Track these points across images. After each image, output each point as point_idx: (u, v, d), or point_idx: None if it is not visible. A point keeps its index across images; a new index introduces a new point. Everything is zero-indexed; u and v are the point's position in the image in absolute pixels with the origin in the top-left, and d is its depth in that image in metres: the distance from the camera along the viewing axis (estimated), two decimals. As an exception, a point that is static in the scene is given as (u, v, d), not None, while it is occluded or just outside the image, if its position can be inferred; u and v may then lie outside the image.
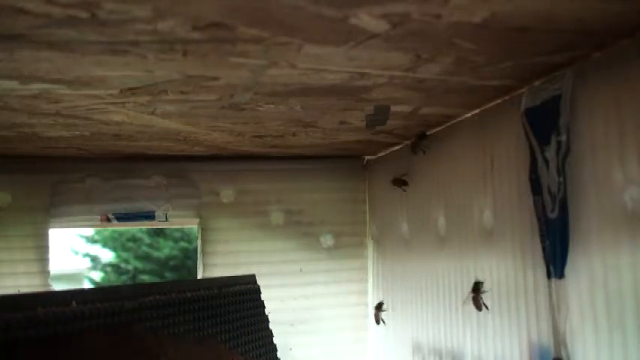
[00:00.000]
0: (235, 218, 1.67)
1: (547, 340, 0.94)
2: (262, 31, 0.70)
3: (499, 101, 1.10)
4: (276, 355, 1.30)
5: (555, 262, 0.91)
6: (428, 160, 1.37)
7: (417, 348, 1.43)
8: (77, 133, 1.25)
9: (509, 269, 1.05)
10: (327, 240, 1.72)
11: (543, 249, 0.94)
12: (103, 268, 8.46)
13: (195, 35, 0.70)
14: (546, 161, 0.93)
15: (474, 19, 0.69)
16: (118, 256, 8.24)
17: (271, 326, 1.31)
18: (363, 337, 1.73)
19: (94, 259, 8.50)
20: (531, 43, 0.79)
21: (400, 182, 1.50)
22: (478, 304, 1.17)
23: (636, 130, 0.77)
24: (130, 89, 0.94)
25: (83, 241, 8.46)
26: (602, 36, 0.77)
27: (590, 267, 0.85)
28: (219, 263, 1.63)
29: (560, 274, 0.89)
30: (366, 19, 0.68)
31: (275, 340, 1.31)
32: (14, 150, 1.43)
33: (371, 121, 1.24)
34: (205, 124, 1.22)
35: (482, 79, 0.96)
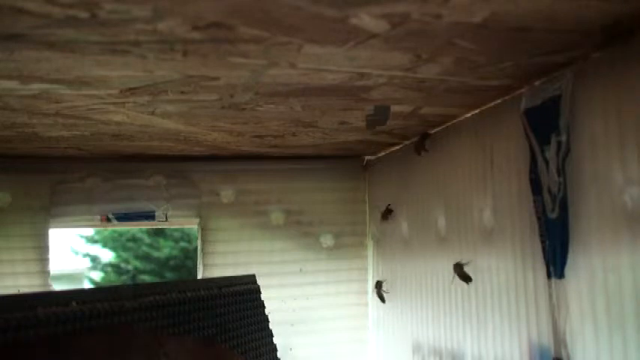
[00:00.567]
0: (235, 218, 1.67)
1: (547, 340, 0.94)
2: (262, 31, 0.70)
3: (499, 101, 1.10)
4: (276, 355, 1.30)
5: (555, 262, 0.91)
6: (428, 160, 1.37)
7: (417, 348, 1.43)
8: (77, 133, 1.25)
9: (509, 269, 1.05)
10: (327, 240, 1.72)
11: (543, 249, 0.94)
12: (103, 268, 8.46)
13: (195, 35, 0.70)
14: (546, 161, 0.93)
15: (473, 19, 0.69)
16: (118, 256, 8.24)
17: (271, 326, 1.31)
18: (363, 337, 1.73)
19: (94, 259, 8.50)
20: (531, 43, 0.79)
21: (387, 213, 1.57)
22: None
23: (636, 130, 0.77)
24: (130, 89, 0.94)
25: (83, 241, 8.47)
26: (602, 36, 0.77)
27: (590, 267, 0.85)
28: (219, 263, 1.63)
29: (560, 274, 0.89)
30: (366, 19, 0.68)
31: (275, 340, 1.31)
32: (14, 150, 1.43)
33: (371, 121, 1.24)
34: (205, 124, 1.22)
35: (483, 79, 0.96)
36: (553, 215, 0.91)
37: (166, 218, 1.60)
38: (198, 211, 1.64)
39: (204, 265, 1.62)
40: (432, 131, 1.34)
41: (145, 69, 0.83)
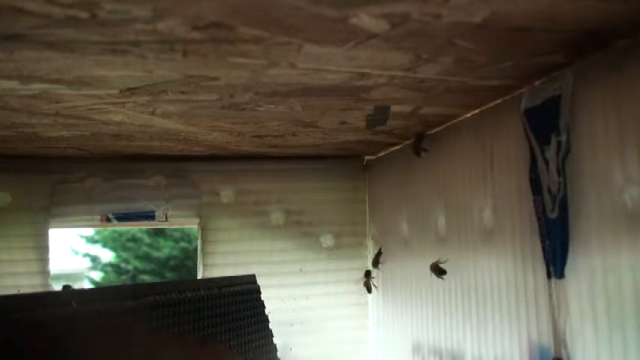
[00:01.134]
0: (235, 218, 1.67)
1: (547, 340, 0.94)
2: (262, 31, 0.70)
3: (499, 101, 1.10)
4: (276, 355, 1.30)
5: (555, 262, 0.91)
6: (428, 160, 1.37)
7: (417, 348, 1.43)
8: (77, 133, 1.25)
9: (509, 269, 1.05)
10: (327, 240, 1.72)
11: (543, 249, 0.94)
12: (103, 268, 8.46)
13: (195, 35, 0.70)
14: (546, 161, 0.93)
15: (474, 19, 0.69)
16: (118, 256, 8.24)
17: (271, 326, 1.31)
18: (363, 337, 1.73)
19: (94, 259, 8.50)
20: (531, 43, 0.79)
21: (378, 256, 1.60)
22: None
23: (636, 130, 0.77)
24: (130, 89, 0.94)
25: (83, 241, 8.46)
26: (602, 36, 0.77)
27: (590, 267, 0.85)
28: (219, 263, 1.63)
29: (560, 274, 0.89)
30: (366, 19, 0.68)
31: (275, 340, 1.32)
32: (14, 150, 1.43)
33: (371, 121, 1.24)
34: (205, 124, 1.22)
35: (483, 79, 0.96)
36: (553, 215, 0.91)
37: (166, 218, 1.60)
38: (198, 211, 1.64)
39: (204, 265, 1.62)
40: (432, 131, 1.34)
41: (145, 69, 0.83)
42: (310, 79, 0.92)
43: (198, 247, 1.66)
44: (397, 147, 1.56)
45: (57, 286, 1.52)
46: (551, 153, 0.92)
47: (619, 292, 0.79)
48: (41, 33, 0.68)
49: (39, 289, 1.46)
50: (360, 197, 1.77)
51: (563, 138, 0.89)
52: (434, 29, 0.72)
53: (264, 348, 1.26)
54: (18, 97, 0.97)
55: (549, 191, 0.92)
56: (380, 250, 1.62)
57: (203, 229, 1.64)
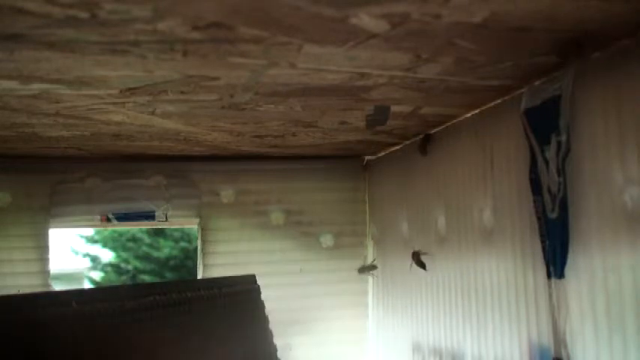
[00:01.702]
0: (235, 218, 1.67)
1: (547, 340, 0.94)
2: (262, 31, 0.70)
3: (499, 101, 1.10)
4: (276, 355, 1.30)
5: (555, 262, 0.91)
6: (428, 160, 1.37)
7: (417, 348, 1.43)
8: (77, 133, 1.25)
9: (509, 269, 1.05)
10: (327, 240, 1.72)
11: (543, 249, 0.94)
12: (103, 268, 8.45)
13: (195, 35, 0.70)
14: (546, 161, 0.93)
15: (474, 19, 0.69)
16: (118, 256, 8.24)
17: (271, 326, 1.31)
18: (363, 337, 1.73)
19: (94, 259, 8.50)
20: (531, 43, 0.79)
21: (370, 266, 1.61)
22: (421, 263, 1.39)
23: (636, 130, 0.77)
24: (130, 89, 0.94)
25: (83, 241, 8.46)
26: (602, 36, 0.77)
27: (590, 267, 0.85)
28: (219, 263, 1.63)
29: (560, 274, 0.89)
30: (366, 19, 0.68)
31: (275, 340, 1.31)
32: (14, 150, 1.43)
33: (371, 121, 1.24)
34: (205, 124, 1.22)
35: (483, 79, 0.96)
36: (553, 215, 0.91)
37: (166, 218, 1.60)
38: (198, 211, 1.64)
39: (205, 265, 1.62)
40: (432, 131, 1.34)
41: (145, 69, 0.83)
42: (310, 79, 0.92)
43: (199, 247, 1.66)
44: (397, 147, 1.56)
45: (57, 287, 1.52)
46: (551, 153, 0.92)
47: (619, 292, 0.79)
48: (41, 33, 0.68)
49: (39, 289, 1.46)
50: (360, 197, 1.77)
51: (563, 138, 0.89)
52: (434, 29, 0.72)
53: (264, 348, 1.26)
54: (18, 97, 0.97)
55: (549, 191, 0.92)
56: (374, 260, 1.62)
57: (203, 229, 1.64)
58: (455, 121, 1.25)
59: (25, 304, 0.80)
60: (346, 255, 1.74)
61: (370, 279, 1.73)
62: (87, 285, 8.35)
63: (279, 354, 1.30)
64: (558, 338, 0.90)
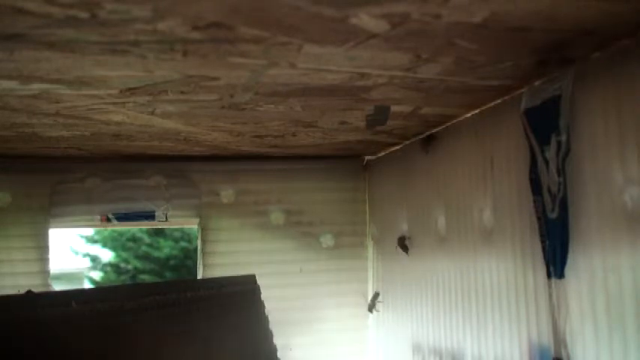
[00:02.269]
0: (235, 218, 1.67)
1: (547, 340, 0.94)
2: (262, 31, 0.70)
3: (499, 101, 1.10)
4: (276, 355, 1.30)
5: (555, 262, 0.91)
6: (428, 160, 1.37)
7: (417, 348, 1.43)
8: (77, 133, 1.25)
9: (509, 269, 1.05)
10: (327, 240, 1.72)
11: (543, 249, 0.94)
12: (103, 267, 8.45)
13: (195, 35, 0.70)
14: (546, 161, 0.93)
15: (473, 19, 0.69)
16: (118, 256, 8.24)
17: (271, 326, 1.31)
18: (363, 337, 1.73)
19: (94, 259, 8.50)
20: (531, 43, 0.79)
21: (375, 297, 1.61)
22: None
23: (636, 130, 0.77)
24: (130, 89, 0.94)
25: (83, 241, 8.46)
26: (602, 36, 0.77)
27: (590, 267, 0.85)
28: (219, 263, 1.63)
29: (560, 274, 0.89)
30: (366, 19, 0.68)
31: (275, 340, 1.32)
32: (14, 150, 1.43)
33: (371, 121, 1.24)
34: (205, 124, 1.22)
35: (483, 79, 0.96)
36: (553, 215, 0.91)
37: (166, 218, 1.60)
38: (198, 211, 1.64)
39: (205, 265, 1.62)
40: (432, 131, 1.34)
41: (145, 69, 0.83)
42: (310, 79, 0.92)
43: (199, 247, 1.66)
44: (397, 147, 1.56)
45: (57, 287, 1.52)
46: (551, 153, 0.92)
47: (619, 292, 0.79)
48: (41, 33, 0.68)
49: (39, 289, 1.46)
50: (360, 197, 1.77)
51: (563, 138, 0.89)
52: (434, 29, 0.72)
53: (264, 348, 1.26)
54: (18, 97, 0.97)
55: (549, 191, 0.92)
56: (376, 293, 1.62)
57: (203, 229, 1.64)
58: (455, 121, 1.25)
59: (25, 304, 0.80)
60: (346, 255, 1.74)
61: (370, 279, 1.73)
62: (87, 285, 8.35)
63: (279, 354, 1.30)
64: (558, 338, 0.90)
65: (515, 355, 1.03)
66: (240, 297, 1.22)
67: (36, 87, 0.90)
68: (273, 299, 1.47)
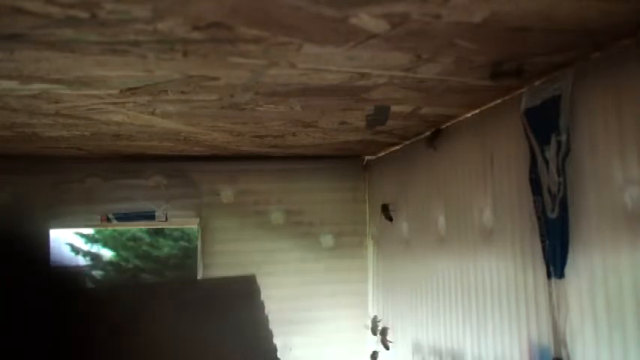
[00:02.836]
0: (235, 218, 1.67)
1: (547, 340, 0.94)
2: (262, 31, 0.70)
3: (499, 101, 1.10)
4: (276, 355, 1.30)
5: (555, 262, 0.91)
6: (428, 160, 1.37)
7: (417, 348, 1.43)
8: (77, 133, 1.25)
9: (509, 269, 1.05)
10: (327, 240, 1.73)
11: (543, 249, 0.94)
12: (104, 267, 8.45)
13: (195, 35, 0.70)
14: (546, 161, 0.93)
15: (474, 19, 0.69)
16: (119, 255, 8.24)
17: (271, 326, 1.31)
18: (363, 338, 1.73)
19: (95, 258, 8.49)
20: (531, 43, 0.79)
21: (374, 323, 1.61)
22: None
23: (636, 129, 0.77)
24: (130, 89, 0.94)
25: (83, 241, 8.45)
26: (602, 36, 0.77)
27: (590, 267, 0.85)
28: (219, 263, 1.63)
29: (560, 274, 0.89)
30: (366, 19, 0.68)
31: (275, 340, 1.32)
32: (14, 150, 1.43)
33: (371, 121, 1.24)
34: (205, 124, 1.22)
35: (483, 79, 0.96)
36: (553, 215, 0.91)
37: (166, 218, 1.61)
38: (198, 211, 1.64)
39: (205, 265, 1.62)
40: (436, 129, 1.34)
41: (145, 69, 0.83)
42: (310, 79, 0.92)
43: (199, 247, 1.66)
44: (397, 147, 1.56)
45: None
46: (551, 153, 0.92)
47: (619, 291, 0.79)
48: (41, 33, 0.68)
49: (39, 289, 1.46)
50: (360, 197, 1.77)
51: (563, 138, 0.89)
52: (434, 29, 0.72)
53: (265, 348, 1.26)
54: (18, 97, 0.97)
55: (549, 191, 0.92)
56: (385, 328, 1.60)
57: (203, 228, 1.64)
58: (455, 121, 1.25)
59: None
60: (346, 255, 1.74)
61: (370, 280, 1.73)
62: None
63: (279, 354, 1.30)
64: (558, 338, 0.90)
65: (515, 355, 1.03)
66: (240, 297, 1.22)
67: (36, 87, 0.90)
68: (273, 299, 1.47)
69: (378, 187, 1.70)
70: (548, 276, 0.92)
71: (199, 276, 1.61)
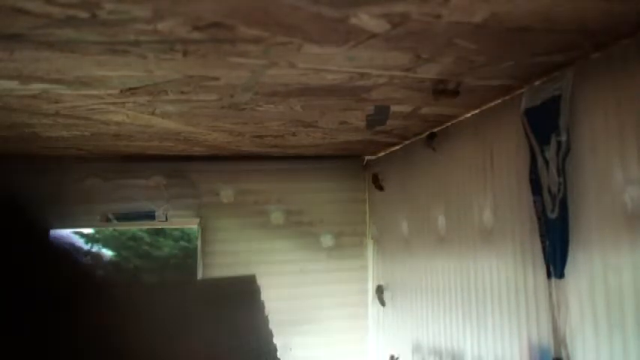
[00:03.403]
0: (235, 218, 1.67)
1: (547, 340, 0.94)
2: (262, 31, 0.70)
3: (499, 101, 1.10)
4: (276, 355, 1.30)
5: (555, 262, 0.91)
6: (428, 159, 1.37)
7: (417, 348, 1.43)
8: (77, 133, 1.26)
9: (509, 269, 1.05)
10: (327, 240, 1.73)
11: (543, 249, 0.94)
12: (104, 266, 8.44)
13: (195, 35, 0.70)
14: (546, 161, 0.93)
15: (474, 19, 0.69)
16: (119, 255, 8.23)
17: (271, 326, 1.31)
18: (363, 337, 1.73)
19: (95, 258, 8.49)
20: (531, 43, 0.79)
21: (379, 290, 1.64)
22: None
23: (636, 129, 0.77)
24: (130, 89, 0.94)
25: (83, 240, 8.45)
26: (602, 36, 0.77)
27: (590, 267, 0.85)
28: (219, 263, 1.63)
29: (560, 274, 0.89)
30: (366, 19, 0.68)
31: (275, 340, 1.32)
32: (14, 150, 1.43)
33: (371, 121, 1.24)
34: (205, 124, 1.22)
35: (483, 79, 0.96)
36: (553, 215, 0.91)
37: (166, 218, 1.61)
38: (198, 211, 1.65)
39: (205, 265, 1.62)
40: (432, 131, 1.34)
41: (145, 69, 0.83)
42: (310, 79, 0.92)
43: (199, 247, 1.66)
44: (397, 147, 1.56)
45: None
46: (551, 153, 0.92)
47: (619, 291, 0.80)
48: (41, 33, 0.68)
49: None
50: (360, 197, 1.77)
51: (563, 138, 0.89)
52: (434, 29, 0.72)
53: (264, 348, 1.26)
54: (18, 97, 0.97)
55: (549, 191, 0.92)
56: (379, 286, 1.63)
57: (203, 228, 1.64)
58: (455, 121, 1.25)
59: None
60: (346, 255, 1.74)
61: (370, 279, 1.73)
62: (87, 285, 8.36)
63: (279, 354, 1.30)
64: (558, 338, 0.90)
65: (515, 355, 1.03)
66: (240, 297, 1.22)
67: (36, 87, 0.90)
68: (273, 299, 1.48)
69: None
70: (548, 276, 0.93)
71: (199, 276, 1.62)
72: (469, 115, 1.20)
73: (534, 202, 0.96)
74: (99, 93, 0.96)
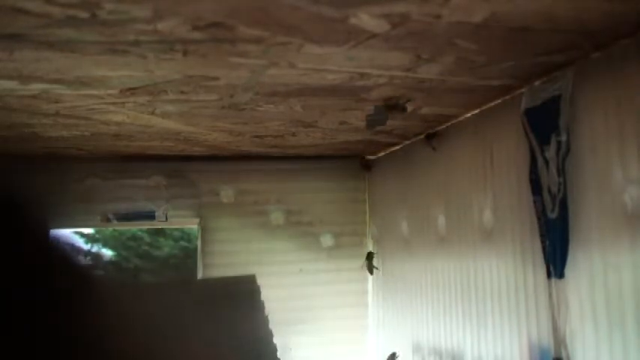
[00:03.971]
0: (235, 218, 1.67)
1: (547, 340, 0.94)
2: (262, 31, 0.70)
3: (499, 101, 1.10)
4: (276, 355, 1.30)
5: (555, 262, 0.91)
6: (428, 159, 1.37)
7: (417, 348, 1.43)
8: (77, 133, 1.26)
9: (509, 269, 1.05)
10: (327, 240, 1.73)
11: (543, 249, 0.94)
12: (104, 266, 8.45)
13: (195, 35, 0.70)
14: (546, 161, 0.93)
15: (474, 19, 0.69)
16: (119, 255, 8.24)
17: (271, 326, 1.31)
18: (363, 337, 1.73)
19: (95, 258, 8.49)
20: (531, 43, 0.79)
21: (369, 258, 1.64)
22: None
23: (636, 129, 0.77)
24: (130, 89, 0.94)
25: (83, 240, 8.45)
26: (602, 36, 0.77)
27: (590, 267, 0.85)
28: (219, 263, 1.63)
29: (560, 274, 0.89)
30: (366, 19, 0.68)
31: (275, 340, 1.31)
32: (14, 150, 1.43)
33: (371, 121, 1.24)
34: (205, 124, 1.22)
35: (483, 79, 0.96)
36: (553, 215, 0.91)
37: (166, 218, 1.61)
38: (198, 211, 1.65)
39: (205, 265, 1.62)
40: (432, 130, 1.34)
41: (145, 69, 0.83)
42: (310, 79, 0.92)
43: (198, 247, 1.66)
44: (397, 147, 1.56)
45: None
46: (551, 153, 0.92)
47: (619, 291, 0.80)
48: (41, 33, 0.68)
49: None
50: (360, 197, 1.77)
51: (563, 138, 0.89)
52: (434, 29, 0.72)
53: (264, 348, 1.26)
54: (18, 97, 0.97)
55: (549, 191, 0.92)
56: (370, 253, 1.65)
57: (203, 228, 1.64)
58: (455, 121, 1.25)
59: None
60: (346, 255, 1.74)
61: (370, 280, 1.73)
62: (87, 284, 8.35)
63: (279, 354, 1.30)
64: (558, 338, 0.90)
65: (515, 355, 1.03)
66: (240, 297, 1.22)
67: (36, 87, 0.90)
68: (273, 299, 1.47)
69: (378, 187, 1.70)
70: (548, 276, 0.93)
71: (199, 276, 1.62)
72: (469, 114, 1.20)
73: (534, 202, 0.96)
74: (99, 93, 0.96)
